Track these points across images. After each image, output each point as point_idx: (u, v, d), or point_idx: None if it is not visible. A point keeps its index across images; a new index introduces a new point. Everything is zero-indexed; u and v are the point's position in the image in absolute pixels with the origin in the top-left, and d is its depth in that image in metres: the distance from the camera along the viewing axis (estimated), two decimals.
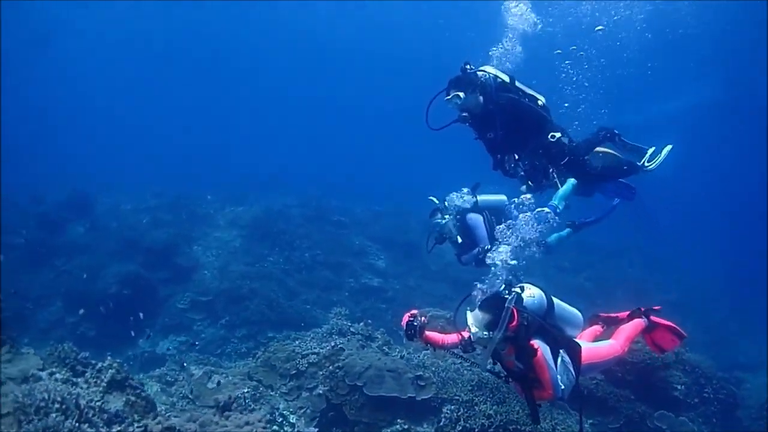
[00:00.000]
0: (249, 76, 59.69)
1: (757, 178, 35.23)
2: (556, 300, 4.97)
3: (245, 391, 6.95)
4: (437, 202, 7.49)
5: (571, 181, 6.91)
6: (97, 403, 4.32)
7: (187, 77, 57.93)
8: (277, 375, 7.38)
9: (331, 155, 56.69)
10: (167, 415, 4.56)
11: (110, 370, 5.26)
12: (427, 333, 5.12)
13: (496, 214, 7.31)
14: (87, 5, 36.65)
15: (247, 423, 4.35)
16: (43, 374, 5.36)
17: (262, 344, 12.16)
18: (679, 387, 8.54)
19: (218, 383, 7.08)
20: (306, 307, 13.71)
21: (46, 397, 4.12)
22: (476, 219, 7.20)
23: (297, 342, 8.11)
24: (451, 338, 5.08)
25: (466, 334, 4.63)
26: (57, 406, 4.06)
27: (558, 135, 6.47)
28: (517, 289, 4.68)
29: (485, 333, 4.29)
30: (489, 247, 6.90)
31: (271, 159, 49.68)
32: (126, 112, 59.13)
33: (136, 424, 4.18)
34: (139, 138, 55.53)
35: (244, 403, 5.91)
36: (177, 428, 3.91)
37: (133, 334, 12.16)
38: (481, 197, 7.47)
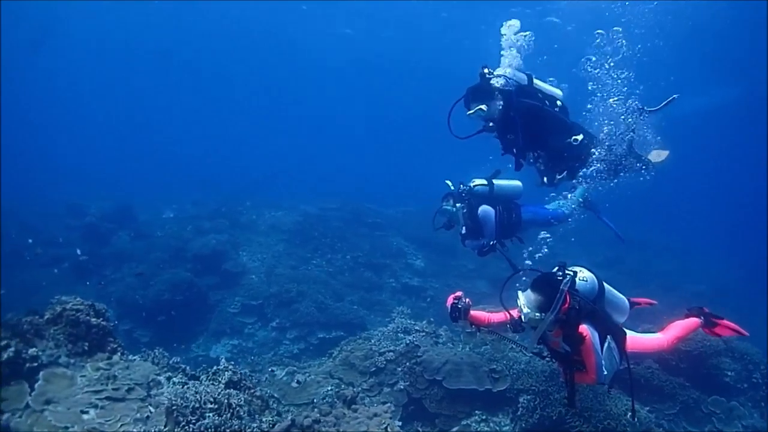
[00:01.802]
0: (260, 79, 59.90)
1: None
2: (606, 285, 5.03)
3: (329, 389, 7.40)
4: (452, 186, 7.63)
5: (580, 189, 7.30)
6: (241, 401, 4.75)
7: (199, 82, 58.24)
8: (357, 372, 7.78)
9: (351, 159, 57.20)
10: (313, 409, 4.97)
11: (227, 372, 5.69)
12: (472, 313, 5.24)
13: (509, 204, 7.50)
14: (88, 5, 36.59)
15: (376, 414, 4.75)
16: (162, 378, 5.81)
17: (313, 345, 12.68)
18: (729, 373, 8.91)
19: (302, 382, 7.54)
20: (353, 307, 14.09)
21: (199, 398, 4.52)
22: (488, 213, 7.29)
23: (373, 341, 8.50)
24: (498, 317, 5.19)
25: (515, 314, 4.69)
26: (210, 406, 4.48)
27: (580, 138, 6.61)
28: (570, 272, 4.72)
29: (537, 314, 4.36)
30: (494, 242, 7.23)
31: (290, 163, 50.31)
32: (128, 116, 59.75)
33: (286, 418, 4.59)
34: (155, 144, 56.21)
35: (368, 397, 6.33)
36: (321, 420, 4.31)
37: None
38: (497, 182, 7.55)
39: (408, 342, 8.08)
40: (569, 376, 4.68)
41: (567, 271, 4.71)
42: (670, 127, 7.53)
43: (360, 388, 7.48)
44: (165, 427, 4.43)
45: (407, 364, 7.65)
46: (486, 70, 6.53)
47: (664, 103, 7.03)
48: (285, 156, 59.02)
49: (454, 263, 17.19)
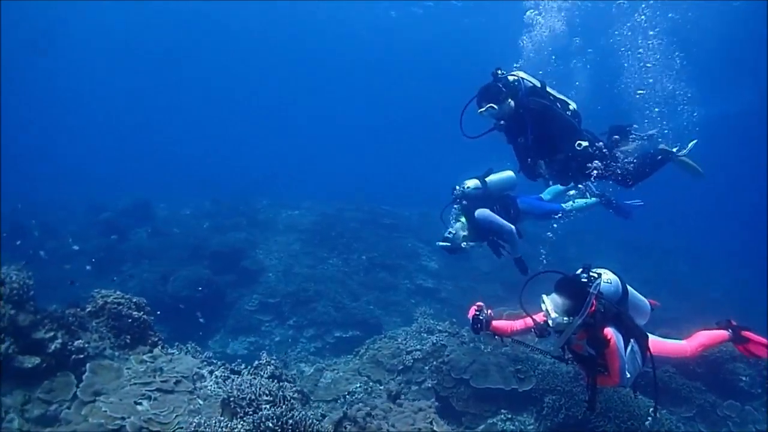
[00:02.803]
0: (260, 78, 60.06)
1: None
2: (629, 288, 4.95)
3: (358, 386, 7.60)
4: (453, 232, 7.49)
5: (594, 200, 7.39)
6: (294, 394, 4.94)
7: (199, 81, 58.34)
8: (384, 370, 7.98)
9: (350, 159, 57.27)
10: (368, 401, 5.16)
11: (269, 367, 5.89)
12: (494, 324, 5.23)
13: (504, 200, 7.55)
14: (91, 5, 36.81)
15: (420, 409, 4.96)
16: (205, 372, 6.01)
17: (329, 344, 12.84)
18: (744, 378, 9.13)
19: (331, 380, 7.75)
20: (369, 307, 14.28)
21: (255, 391, 4.72)
22: (486, 213, 7.29)
23: (400, 340, 8.69)
24: (520, 324, 5.17)
25: (539, 318, 4.62)
26: (266, 398, 4.66)
27: (585, 144, 6.50)
28: (595, 274, 4.70)
29: (564, 318, 4.34)
30: (513, 228, 7.25)
31: (290, 163, 50.53)
32: (130, 116, 59.94)
33: (341, 409, 4.78)
34: (155, 144, 56.46)
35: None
36: (374, 414, 4.51)
37: (201, 333, 12.76)
38: (489, 179, 7.58)
39: (434, 342, 8.26)
40: (591, 379, 4.65)
41: (592, 273, 4.72)
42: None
43: (387, 387, 7.67)
44: (222, 417, 4.61)
45: (434, 363, 7.84)
46: (499, 72, 6.59)
47: (689, 147, 7.14)
48: (284, 156, 59.36)
49: (467, 266, 17.28)
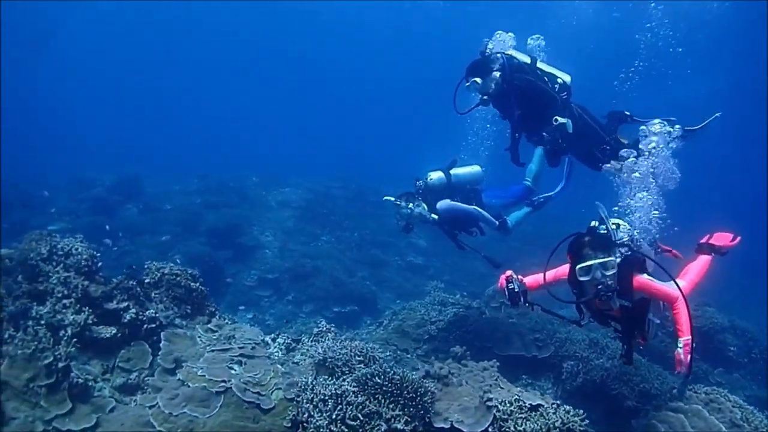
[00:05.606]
0: (248, 68, 59.80)
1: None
2: None
3: (388, 354, 8.02)
4: (393, 199, 8.19)
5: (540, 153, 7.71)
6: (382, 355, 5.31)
7: (186, 63, 57.88)
8: (410, 340, 8.36)
9: (340, 139, 57.45)
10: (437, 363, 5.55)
11: (329, 334, 6.25)
12: (528, 285, 5.33)
13: (468, 193, 7.89)
14: None
15: (485, 368, 5.41)
16: (268, 339, 6.34)
17: (328, 318, 13.02)
18: (732, 348, 9.89)
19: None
20: (366, 283, 14.69)
21: (347, 352, 5.07)
22: (446, 204, 7.71)
23: (422, 311, 9.09)
24: (550, 276, 5.23)
25: (564, 270, 5.02)
26: (359, 358, 5.03)
27: (562, 120, 6.63)
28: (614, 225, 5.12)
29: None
30: (476, 208, 7.69)
31: (289, 145, 50.58)
32: (135, 104, 59.13)
33: (420, 368, 5.18)
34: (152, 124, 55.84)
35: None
36: (451, 372, 4.93)
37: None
38: (454, 171, 7.89)
39: (455, 313, 8.71)
40: (628, 334, 5.00)
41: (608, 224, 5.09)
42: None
43: (415, 354, 8.13)
44: (324, 375, 4.90)
45: (457, 332, 8.28)
46: (488, 47, 6.95)
47: (706, 121, 7.40)
48: (267, 134, 59.39)
49: (453, 244, 17.68)
